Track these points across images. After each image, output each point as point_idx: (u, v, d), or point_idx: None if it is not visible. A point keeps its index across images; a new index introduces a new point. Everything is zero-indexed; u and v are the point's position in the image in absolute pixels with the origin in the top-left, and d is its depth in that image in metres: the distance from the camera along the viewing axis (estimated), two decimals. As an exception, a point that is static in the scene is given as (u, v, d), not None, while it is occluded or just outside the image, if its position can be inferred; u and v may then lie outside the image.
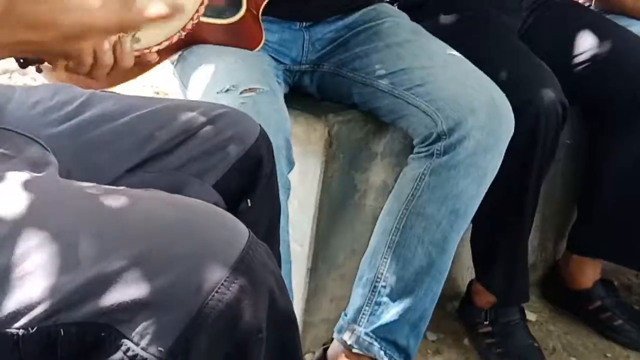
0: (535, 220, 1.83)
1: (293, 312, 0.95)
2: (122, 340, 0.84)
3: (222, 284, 0.85)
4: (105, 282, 0.84)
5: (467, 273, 2.00)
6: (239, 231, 0.90)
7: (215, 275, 0.85)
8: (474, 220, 1.64)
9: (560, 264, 2.07)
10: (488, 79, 1.60)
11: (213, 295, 0.84)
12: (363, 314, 1.62)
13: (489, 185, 1.59)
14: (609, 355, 1.92)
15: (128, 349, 0.84)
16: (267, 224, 1.23)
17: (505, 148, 1.58)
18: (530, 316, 1.99)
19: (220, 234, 0.89)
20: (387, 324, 1.60)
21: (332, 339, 1.69)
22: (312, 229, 1.70)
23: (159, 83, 2.74)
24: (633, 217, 1.89)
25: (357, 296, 1.64)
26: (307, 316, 1.77)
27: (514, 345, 1.82)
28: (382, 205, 1.65)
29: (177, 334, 0.84)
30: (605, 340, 1.96)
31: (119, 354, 0.85)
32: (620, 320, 1.96)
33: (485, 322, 1.86)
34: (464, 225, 1.61)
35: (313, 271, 1.74)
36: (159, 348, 0.84)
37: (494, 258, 1.82)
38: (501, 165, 1.58)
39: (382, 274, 1.60)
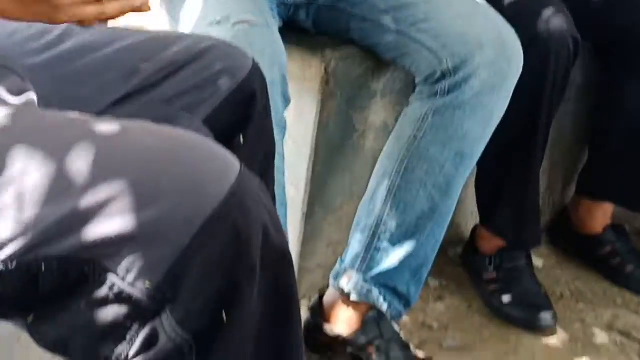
0: (542, 164, 1.79)
1: (288, 250, 0.91)
2: (107, 275, 0.81)
3: (212, 218, 0.81)
4: (89, 214, 0.81)
5: (471, 218, 1.97)
6: (230, 163, 0.86)
7: (205, 208, 0.81)
8: (479, 163, 1.60)
9: (569, 209, 2.04)
10: (496, 12, 1.55)
11: (203, 229, 0.81)
12: (362, 260, 1.58)
13: (495, 127, 1.54)
14: (619, 302, 1.89)
15: (113, 285, 0.82)
16: (261, 161, 1.19)
17: (514, 87, 1.53)
18: (537, 262, 1.96)
19: (210, 166, 0.85)
20: (387, 271, 1.57)
21: (328, 285, 1.64)
22: (308, 171, 1.66)
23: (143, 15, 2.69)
24: (646, 160, 1.85)
25: (355, 242, 1.59)
26: (303, 261, 1.73)
27: (520, 292, 1.78)
28: (382, 147, 1.61)
29: (165, 269, 0.81)
30: (615, 287, 1.93)
31: (104, 290, 0.82)
32: (631, 266, 1.92)
33: (489, 268, 1.83)
34: (469, 169, 1.57)
35: (309, 215, 1.71)
36: (147, 283, 0.81)
37: (501, 201, 1.78)
38: (509, 104, 1.53)
39: (381, 218, 1.56)
